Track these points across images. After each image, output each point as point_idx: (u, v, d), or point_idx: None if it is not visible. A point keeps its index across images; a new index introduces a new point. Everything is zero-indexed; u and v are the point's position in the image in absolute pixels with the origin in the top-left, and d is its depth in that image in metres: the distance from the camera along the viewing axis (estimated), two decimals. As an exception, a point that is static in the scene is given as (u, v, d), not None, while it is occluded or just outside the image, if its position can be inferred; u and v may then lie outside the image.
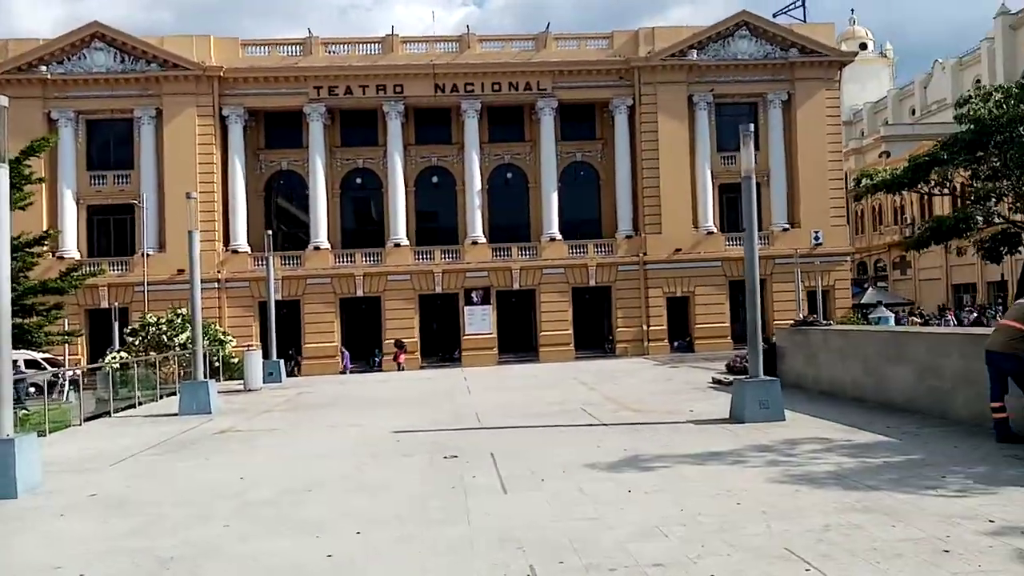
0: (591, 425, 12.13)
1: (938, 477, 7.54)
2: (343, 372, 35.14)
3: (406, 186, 40.87)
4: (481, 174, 40.80)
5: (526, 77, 40.51)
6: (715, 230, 40.72)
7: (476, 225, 40.33)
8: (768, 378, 11.85)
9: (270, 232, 29.38)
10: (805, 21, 45.06)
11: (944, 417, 10.76)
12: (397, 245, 39.92)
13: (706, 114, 40.96)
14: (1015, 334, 8.72)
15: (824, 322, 18.01)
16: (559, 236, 40.48)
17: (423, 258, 40.08)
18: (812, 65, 41.27)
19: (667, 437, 10.60)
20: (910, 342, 12.10)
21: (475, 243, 40.10)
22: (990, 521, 6.02)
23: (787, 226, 40.76)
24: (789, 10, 46.99)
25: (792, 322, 19.26)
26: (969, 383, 10.26)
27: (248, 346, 24.70)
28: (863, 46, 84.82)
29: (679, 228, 40.13)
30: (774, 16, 44.64)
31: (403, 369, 34.52)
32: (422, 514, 7.07)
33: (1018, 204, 25.10)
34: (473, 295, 39.91)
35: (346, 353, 38.16)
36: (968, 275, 49.85)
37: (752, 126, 12.10)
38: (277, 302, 36.19)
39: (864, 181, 30.77)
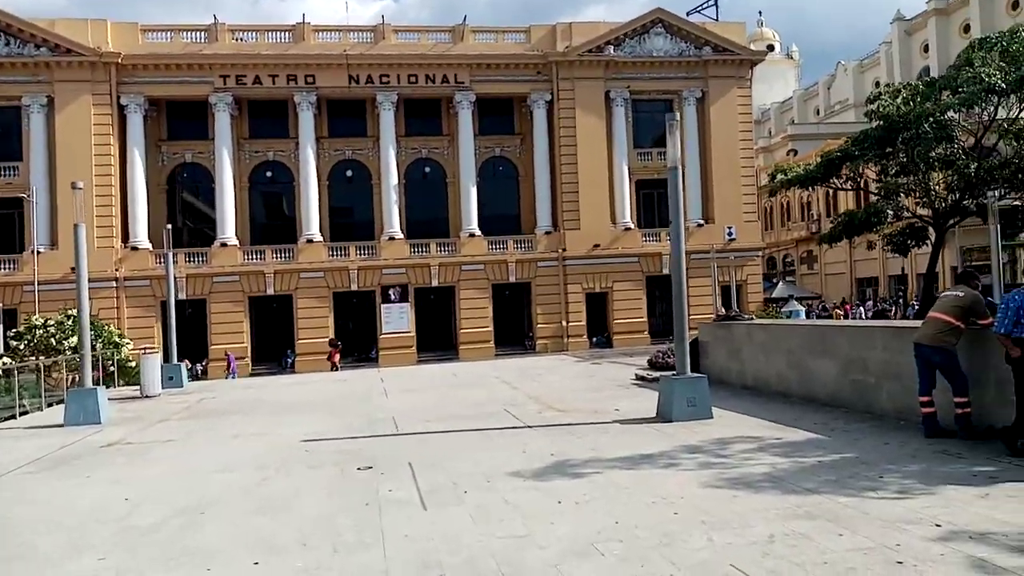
0: (515, 428, 11.56)
1: (875, 477, 7.27)
2: (228, 377, 33.11)
3: (319, 180, 39.53)
4: (398, 168, 39.83)
5: (443, 70, 39.72)
6: (632, 226, 40.93)
7: (393, 221, 39.33)
8: (696, 375, 11.54)
9: (170, 227, 27.67)
10: (717, 20, 45.87)
11: (869, 411, 10.65)
12: (310, 241, 38.55)
13: (623, 110, 41.11)
14: (944, 327, 8.57)
15: (746, 316, 17.95)
16: (478, 232, 39.90)
17: (337, 254, 38.83)
18: (725, 63, 41.93)
19: (595, 439, 10.11)
20: (834, 336, 11.98)
21: (392, 239, 39.10)
22: (936, 525, 5.72)
23: (701, 222, 41.34)
24: (702, 9, 47.82)
25: (714, 316, 19.20)
26: (894, 376, 10.16)
27: (145, 348, 23.10)
28: (770, 47, 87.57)
29: (597, 224, 40.15)
30: (687, 15, 45.32)
31: (337, 368, 33.03)
32: (331, 537, 6.33)
33: (924, 199, 25.95)
34: (390, 292, 38.91)
35: (231, 356, 35.79)
36: (871, 269, 51.78)
37: (677, 115, 11.78)
38: (182, 302, 34.42)
39: (779, 176, 31.37)
